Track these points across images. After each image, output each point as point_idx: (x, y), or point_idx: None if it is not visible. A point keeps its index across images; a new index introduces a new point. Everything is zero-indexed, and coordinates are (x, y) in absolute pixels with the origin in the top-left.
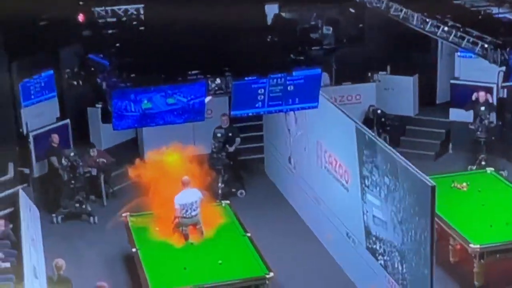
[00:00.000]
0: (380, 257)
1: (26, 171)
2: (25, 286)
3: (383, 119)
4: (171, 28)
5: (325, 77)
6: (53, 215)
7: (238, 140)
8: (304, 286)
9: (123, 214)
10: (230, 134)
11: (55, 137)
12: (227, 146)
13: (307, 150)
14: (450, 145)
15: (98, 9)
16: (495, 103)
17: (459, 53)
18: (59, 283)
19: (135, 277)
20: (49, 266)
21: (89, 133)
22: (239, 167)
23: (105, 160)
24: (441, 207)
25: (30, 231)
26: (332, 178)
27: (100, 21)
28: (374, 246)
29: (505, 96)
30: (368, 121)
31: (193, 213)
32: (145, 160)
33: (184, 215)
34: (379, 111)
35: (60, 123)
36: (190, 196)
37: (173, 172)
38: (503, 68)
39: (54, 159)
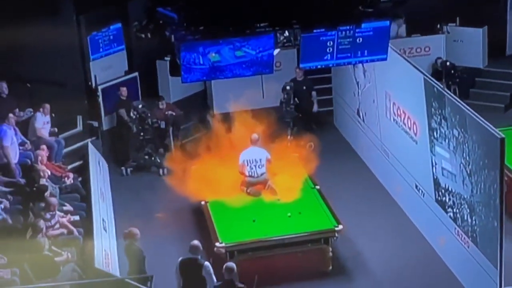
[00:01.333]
0: (449, 209)
1: (95, 124)
2: (94, 239)
3: (452, 71)
4: None
5: (402, 29)
6: (122, 167)
7: (314, 94)
8: (373, 238)
9: (192, 167)
10: (304, 88)
11: (124, 90)
12: (296, 99)
13: (376, 102)
14: None
15: None
16: None
17: None
18: (131, 253)
19: (204, 230)
20: (118, 219)
21: (158, 86)
22: (310, 120)
23: (173, 113)
24: (511, 159)
25: (99, 184)
26: (400, 130)
27: None
28: (444, 199)
29: None
30: (436, 74)
31: (259, 172)
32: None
33: (250, 174)
34: (448, 63)
35: (128, 76)
36: (256, 153)
37: (243, 127)
38: None
39: (122, 112)
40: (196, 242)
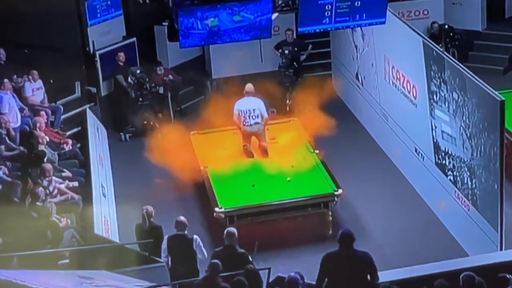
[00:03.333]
0: (449, 172)
1: (93, 90)
2: (93, 205)
3: (451, 34)
4: None
5: None
6: (121, 133)
7: (310, 47)
8: (373, 203)
9: (191, 132)
10: (296, 49)
11: (121, 55)
12: (294, 63)
13: (375, 66)
14: None
15: None
16: None
17: None
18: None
19: (203, 194)
20: (117, 185)
21: (156, 51)
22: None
23: (172, 78)
24: (511, 121)
25: (98, 150)
26: (400, 93)
27: None
28: (443, 162)
29: None
30: (431, 38)
31: (252, 121)
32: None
33: (244, 123)
34: (446, 26)
35: (126, 41)
36: (250, 103)
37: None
38: None
39: (120, 78)
40: (182, 218)
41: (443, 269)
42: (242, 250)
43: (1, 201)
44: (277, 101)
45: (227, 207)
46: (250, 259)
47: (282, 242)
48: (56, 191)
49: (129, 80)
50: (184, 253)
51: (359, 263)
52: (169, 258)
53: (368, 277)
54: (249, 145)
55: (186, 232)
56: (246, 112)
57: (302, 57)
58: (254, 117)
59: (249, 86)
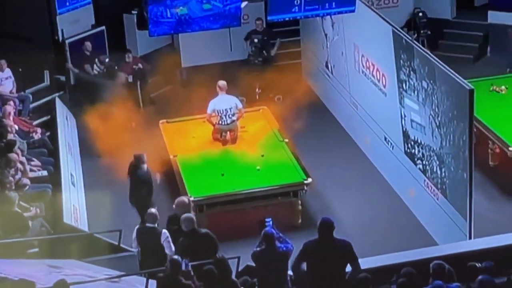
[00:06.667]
0: (418, 161)
1: (62, 78)
2: (62, 193)
3: (422, 20)
4: None
5: None
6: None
7: (279, 40)
8: (342, 191)
9: (160, 121)
10: (266, 38)
11: (88, 45)
12: (264, 52)
13: (345, 55)
14: (489, 48)
15: None
16: None
17: None
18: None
19: (173, 183)
20: (86, 174)
21: (125, 40)
22: (276, 72)
23: (141, 66)
24: (480, 110)
25: (67, 138)
26: (369, 82)
27: None
28: (413, 151)
29: None
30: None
31: (229, 121)
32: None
33: (220, 122)
34: (420, 14)
35: (95, 30)
36: (226, 102)
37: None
38: None
39: (88, 67)
40: (153, 210)
41: (412, 258)
42: (205, 230)
43: None
44: (247, 90)
45: (197, 196)
46: (214, 236)
47: (252, 231)
48: (24, 180)
49: (96, 68)
50: (152, 247)
51: (339, 252)
52: (139, 249)
53: (349, 265)
54: (225, 134)
55: (156, 225)
56: (223, 112)
57: (272, 52)
58: (230, 115)
59: (222, 83)
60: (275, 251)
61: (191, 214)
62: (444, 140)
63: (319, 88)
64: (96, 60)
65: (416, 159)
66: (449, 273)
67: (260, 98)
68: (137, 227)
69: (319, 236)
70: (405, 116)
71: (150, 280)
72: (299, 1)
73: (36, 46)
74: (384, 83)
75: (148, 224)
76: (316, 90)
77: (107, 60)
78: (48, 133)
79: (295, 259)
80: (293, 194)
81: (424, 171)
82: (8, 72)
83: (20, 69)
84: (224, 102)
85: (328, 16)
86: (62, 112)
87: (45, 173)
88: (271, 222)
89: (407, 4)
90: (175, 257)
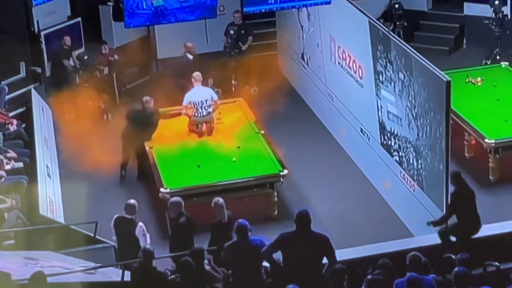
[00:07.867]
0: (395, 153)
1: (38, 70)
2: (38, 185)
3: (398, 12)
4: None
5: None
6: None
7: (250, 38)
8: (318, 183)
9: None
10: (243, 31)
11: (67, 39)
12: (240, 43)
13: (320, 46)
14: (464, 40)
15: None
16: None
17: None
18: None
19: (149, 175)
20: (62, 165)
21: (101, 31)
22: (252, 64)
23: (117, 58)
24: (456, 102)
25: (43, 130)
26: (345, 74)
27: None
28: (389, 142)
29: None
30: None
31: (205, 113)
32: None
33: (196, 114)
34: (397, 5)
35: (71, 22)
36: (201, 93)
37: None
38: None
39: (66, 62)
40: (132, 201)
41: (388, 250)
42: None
43: None
44: (223, 81)
45: (173, 187)
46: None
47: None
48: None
49: (72, 63)
50: (128, 238)
51: (316, 244)
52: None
53: (325, 258)
54: (201, 126)
55: (135, 216)
56: (199, 104)
57: (244, 47)
58: (206, 107)
59: (197, 74)
60: (248, 243)
61: (179, 198)
62: (420, 131)
63: (295, 79)
64: (75, 56)
65: (392, 150)
66: (425, 265)
67: (236, 89)
68: (115, 216)
69: (296, 228)
70: (381, 107)
71: (126, 272)
72: None
73: (12, 37)
74: (360, 74)
75: (126, 215)
76: (292, 82)
77: (86, 57)
78: (24, 125)
79: (268, 246)
80: (269, 186)
81: (400, 163)
82: None
83: None
84: (199, 94)
85: (304, 8)
86: (37, 103)
87: (20, 164)
88: None
89: None
90: (148, 246)
